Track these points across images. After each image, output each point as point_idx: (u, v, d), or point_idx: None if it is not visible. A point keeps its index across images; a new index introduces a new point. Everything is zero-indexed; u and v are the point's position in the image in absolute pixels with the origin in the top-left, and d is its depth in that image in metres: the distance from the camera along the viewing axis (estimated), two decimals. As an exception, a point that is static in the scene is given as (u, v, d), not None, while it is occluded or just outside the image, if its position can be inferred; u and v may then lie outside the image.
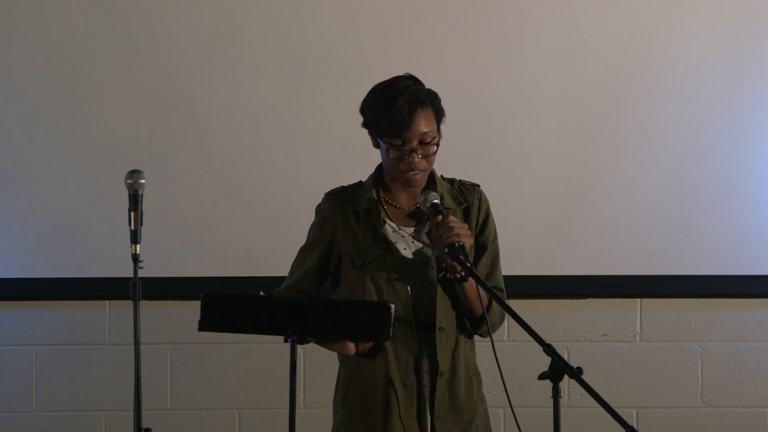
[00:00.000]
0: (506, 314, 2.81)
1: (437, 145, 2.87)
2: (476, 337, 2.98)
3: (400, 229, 2.93)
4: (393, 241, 2.91)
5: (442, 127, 2.90)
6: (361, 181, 3.00)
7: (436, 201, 2.84)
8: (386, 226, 2.93)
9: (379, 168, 2.98)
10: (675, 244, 4.28)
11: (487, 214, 2.99)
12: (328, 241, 2.96)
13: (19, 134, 4.27)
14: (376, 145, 2.91)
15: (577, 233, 4.27)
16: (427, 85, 2.91)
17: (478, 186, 3.02)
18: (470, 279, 2.82)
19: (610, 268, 4.28)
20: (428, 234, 2.90)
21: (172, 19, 4.27)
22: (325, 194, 3.00)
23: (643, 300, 4.33)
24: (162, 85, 4.26)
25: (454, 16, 4.26)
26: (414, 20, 4.26)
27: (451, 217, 2.80)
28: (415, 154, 2.83)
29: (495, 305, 2.92)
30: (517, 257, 4.21)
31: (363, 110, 2.90)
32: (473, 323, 2.94)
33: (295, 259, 3.04)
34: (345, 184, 3.01)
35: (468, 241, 2.78)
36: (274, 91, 4.27)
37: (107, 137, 4.27)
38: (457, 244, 2.73)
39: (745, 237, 4.27)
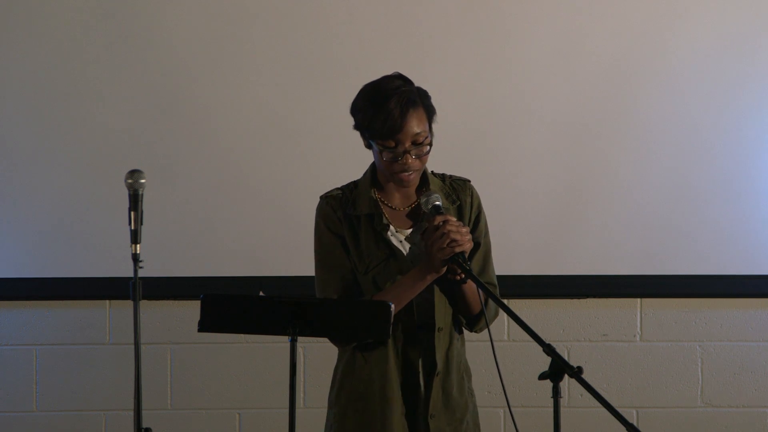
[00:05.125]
0: (500, 309, 2.81)
1: (430, 144, 2.86)
2: (470, 335, 2.98)
3: (398, 231, 2.93)
4: (395, 244, 2.90)
5: (433, 125, 2.89)
6: (354, 182, 2.97)
7: (438, 203, 2.83)
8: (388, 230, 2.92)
9: (373, 167, 2.96)
10: (675, 244, 4.28)
11: (479, 210, 2.98)
12: (342, 240, 2.91)
13: (19, 134, 4.27)
14: (369, 146, 2.90)
15: (577, 233, 4.27)
16: (428, 84, 2.90)
17: (469, 182, 3.01)
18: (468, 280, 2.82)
19: (610, 268, 4.28)
20: (423, 233, 2.87)
21: (172, 19, 4.26)
22: (322, 197, 2.96)
23: (643, 300, 4.33)
24: (162, 84, 4.26)
25: (455, 15, 4.26)
26: (415, 19, 4.26)
27: (452, 220, 2.79)
28: (408, 155, 2.82)
29: (490, 302, 2.91)
30: (517, 257, 4.22)
31: (354, 112, 2.88)
32: (469, 321, 2.94)
33: (320, 275, 2.94)
34: (338, 186, 2.97)
35: (468, 246, 2.78)
36: (275, 91, 4.27)
37: (107, 137, 4.27)
38: (460, 259, 2.74)
39: (746, 237, 4.27)
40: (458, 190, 2.97)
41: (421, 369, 2.88)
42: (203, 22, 4.26)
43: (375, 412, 2.88)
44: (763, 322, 4.34)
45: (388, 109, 2.79)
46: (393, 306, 2.68)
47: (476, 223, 2.97)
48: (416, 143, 2.82)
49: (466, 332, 2.99)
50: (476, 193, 2.99)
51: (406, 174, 2.85)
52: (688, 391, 4.35)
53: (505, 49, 4.27)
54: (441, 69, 4.22)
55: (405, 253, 2.89)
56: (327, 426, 2.98)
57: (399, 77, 2.87)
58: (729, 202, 4.27)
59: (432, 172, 2.97)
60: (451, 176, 3.00)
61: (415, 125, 2.81)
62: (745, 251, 4.27)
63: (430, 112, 2.86)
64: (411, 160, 2.83)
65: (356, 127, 2.89)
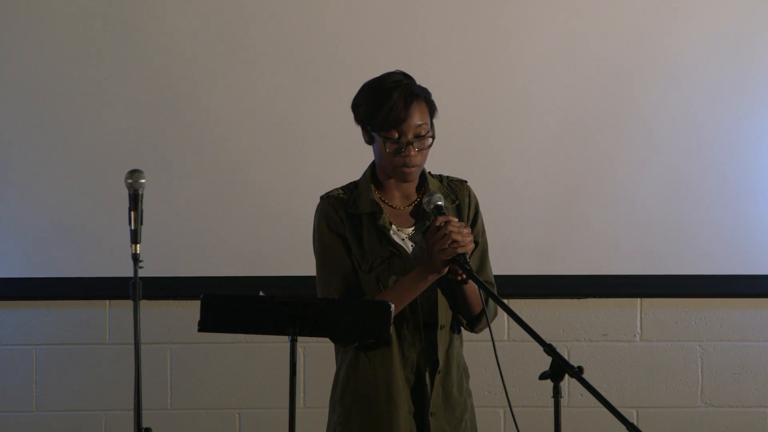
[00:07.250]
0: (499, 309, 2.82)
1: (432, 138, 2.87)
2: (468, 335, 2.98)
3: (399, 230, 2.93)
4: (398, 242, 2.91)
5: (434, 124, 2.89)
6: (354, 182, 2.97)
7: (440, 203, 2.83)
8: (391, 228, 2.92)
9: (372, 167, 2.96)
10: (675, 244, 4.28)
11: (477, 210, 3.00)
12: (343, 240, 2.91)
13: (18, 134, 4.27)
14: (369, 142, 2.90)
15: (577, 232, 4.27)
16: (428, 83, 2.91)
17: (466, 182, 3.02)
18: (469, 281, 2.82)
19: (610, 267, 4.28)
20: (423, 233, 2.88)
21: (173, 19, 4.26)
22: (323, 197, 2.96)
23: (643, 300, 4.33)
24: (162, 84, 4.26)
25: (455, 15, 4.26)
26: (415, 18, 4.26)
27: (454, 221, 2.79)
28: (411, 147, 2.83)
29: (490, 302, 2.91)
30: (517, 257, 4.22)
31: (356, 106, 2.89)
32: (470, 322, 2.94)
33: (321, 275, 2.94)
34: (337, 187, 2.97)
35: (470, 247, 2.79)
36: (275, 91, 4.27)
37: (107, 137, 4.27)
38: (461, 260, 2.74)
39: (746, 237, 4.27)
40: (456, 190, 2.98)
41: (426, 368, 2.89)
42: (203, 21, 4.27)
43: (381, 411, 2.88)
44: (763, 322, 4.34)
45: (392, 100, 2.81)
46: (393, 306, 2.68)
47: (474, 222, 2.99)
48: (418, 135, 2.84)
49: (465, 332, 2.99)
50: (473, 193, 3.01)
51: (407, 167, 2.85)
52: (688, 391, 4.35)
53: (505, 49, 4.27)
54: (441, 68, 4.21)
55: (408, 251, 2.90)
56: (330, 429, 2.97)
57: (400, 73, 2.89)
58: (729, 202, 4.27)
59: (430, 172, 2.98)
60: (448, 177, 3.01)
61: (418, 117, 2.83)
62: (745, 251, 4.27)
63: (431, 108, 2.88)
64: (413, 152, 2.84)
65: (358, 120, 2.89)
